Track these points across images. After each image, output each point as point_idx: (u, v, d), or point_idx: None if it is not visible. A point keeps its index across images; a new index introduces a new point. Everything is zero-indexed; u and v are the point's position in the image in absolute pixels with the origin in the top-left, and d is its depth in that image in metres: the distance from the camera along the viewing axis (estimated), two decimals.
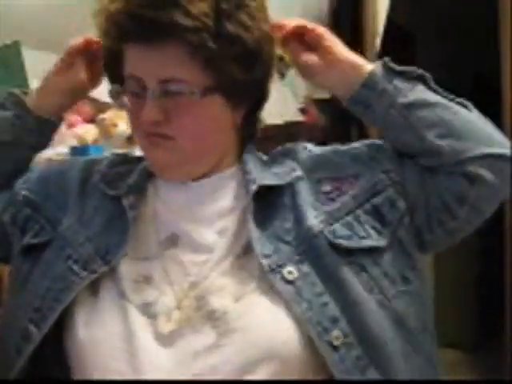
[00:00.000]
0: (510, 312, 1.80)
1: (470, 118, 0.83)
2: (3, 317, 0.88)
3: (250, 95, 0.87)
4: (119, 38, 0.82)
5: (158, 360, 0.74)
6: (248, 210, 0.82)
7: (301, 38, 0.88)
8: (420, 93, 0.84)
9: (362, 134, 2.46)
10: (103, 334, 0.76)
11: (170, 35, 0.78)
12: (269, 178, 0.85)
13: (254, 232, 0.80)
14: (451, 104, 0.84)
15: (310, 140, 0.96)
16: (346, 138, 2.56)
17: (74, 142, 1.89)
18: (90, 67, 0.92)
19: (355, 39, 2.48)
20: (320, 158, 0.88)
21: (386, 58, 0.86)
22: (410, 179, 0.84)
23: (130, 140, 1.98)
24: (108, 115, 1.91)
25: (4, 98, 0.94)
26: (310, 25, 0.88)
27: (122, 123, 1.91)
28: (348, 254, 0.79)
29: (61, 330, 0.79)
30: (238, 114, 0.87)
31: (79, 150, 1.81)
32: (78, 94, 0.95)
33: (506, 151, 0.81)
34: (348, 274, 0.78)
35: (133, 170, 0.90)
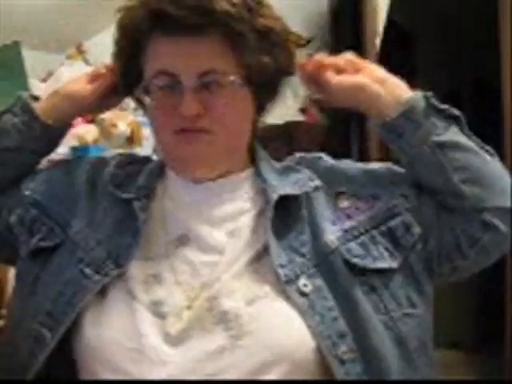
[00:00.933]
0: (510, 312, 1.80)
1: (496, 168, 0.85)
2: (11, 319, 0.87)
3: (272, 93, 0.89)
4: (151, 30, 0.81)
5: (167, 359, 0.74)
6: (264, 217, 0.82)
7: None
8: (454, 134, 0.84)
9: (362, 134, 2.46)
10: (111, 333, 0.76)
11: (210, 24, 0.78)
12: (289, 187, 0.85)
13: (272, 241, 0.80)
14: (481, 151, 0.85)
15: (310, 140, 0.96)
16: (345, 138, 2.56)
17: (74, 142, 1.89)
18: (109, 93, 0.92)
19: (355, 39, 2.48)
20: (339, 172, 0.89)
21: (430, 93, 0.85)
22: (426, 207, 0.85)
23: (129, 140, 1.98)
24: (108, 115, 1.91)
25: (13, 102, 0.93)
26: (352, 58, 0.88)
27: (121, 123, 1.91)
28: (360, 273, 0.80)
29: (69, 330, 0.79)
30: (257, 113, 0.88)
31: (79, 150, 1.81)
32: (92, 109, 0.96)
33: None
34: (358, 292, 0.79)
35: (140, 170, 0.90)
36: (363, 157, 2.34)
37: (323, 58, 0.88)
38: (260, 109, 0.89)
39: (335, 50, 0.92)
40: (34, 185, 0.91)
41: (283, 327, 0.75)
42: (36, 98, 0.94)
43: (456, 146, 0.84)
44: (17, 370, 0.80)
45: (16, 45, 2.06)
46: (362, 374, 0.76)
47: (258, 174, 0.87)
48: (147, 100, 0.83)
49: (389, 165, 0.91)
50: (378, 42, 2.38)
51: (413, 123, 0.84)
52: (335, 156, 0.95)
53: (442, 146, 0.83)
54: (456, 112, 0.86)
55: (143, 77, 0.84)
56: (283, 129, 2.24)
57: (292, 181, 0.87)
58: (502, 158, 0.90)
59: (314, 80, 0.88)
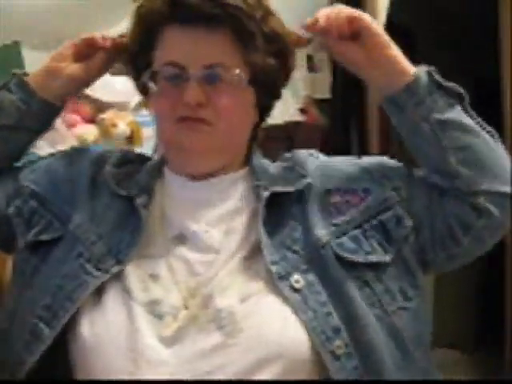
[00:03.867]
0: (510, 312, 1.80)
1: (495, 150, 0.84)
2: (6, 310, 0.87)
3: (274, 95, 0.91)
4: (166, 18, 0.83)
5: (163, 359, 0.74)
6: (258, 215, 0.82)
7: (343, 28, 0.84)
8: (456, 113, 0.84)
9: (362, 134, 2.45)
10: (108, 332, 0.76)
11: (222, 16, 0.80)
12: (280, 185, 0.86)
13: (264, 238, 0.80)
14: (482, 133, 0.84)
15: (310, 140, 0.97)
16: (345, 138, 2.56)
17: (74, 142, 1.89)
18: (105, 63, 0.92)
19: None
20: (330, 168, 0.89)
21: (433, 68, 0.85)
22: (417, 200, 0.84)
23: (129, 140, 1.97)
24: (108, 115, 1.91)
25: (7, 80, 0.93)
26: (357, 14, 0.84)
27: (121, 123, 1.91)
28: (353, 267, 0.80)
29: (65, 327, 0.79)
30: (257, 113, 0.89)
31: None
32: (86, 84, 0.95)
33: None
34: (351, 287, 0.79)
35: (140, 169, 0.90)
36: None
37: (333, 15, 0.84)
38: (261, 110, 0.90)
39: None
40: (34, 176, 0.91)
41: (277, 324, 0.75)
42: (28, 75, 0.93)
43: (457, 126, 0.83)
44: (10, 362, 0.80)
45: (16, 45, 2.05)
46: (356, 368, 0.76)
47: (253, 173, 0.88)
48: (152, 87, 0.84)
49: (380, 158, 0.91)
50: None
51: (414, 98, 0.83)
52: (335, 156, 0.95)
53: (442, 123, 0.83)
54: (459, 89, 0.85)
55: (152, 63, 0.85)
56: (283, 129, 2.24)
57: (284, 178, 0.87)
58: None
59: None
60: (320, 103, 2.45)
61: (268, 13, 0.86)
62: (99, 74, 0.93)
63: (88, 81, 0.93)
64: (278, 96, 0.92)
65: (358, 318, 0.77)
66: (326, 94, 2.46)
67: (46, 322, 0.79)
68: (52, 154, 0.97)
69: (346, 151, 2.45)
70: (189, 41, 0.82)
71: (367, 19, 0.84)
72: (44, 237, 0.86)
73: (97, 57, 0.91)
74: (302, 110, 2.44)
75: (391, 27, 2.43)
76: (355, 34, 0.84)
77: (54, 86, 0.91)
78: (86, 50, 0.91)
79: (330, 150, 0.98)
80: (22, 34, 2.16)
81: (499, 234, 0.86)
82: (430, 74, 0.84)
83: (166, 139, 0.87)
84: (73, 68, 0.90)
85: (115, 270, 0.80)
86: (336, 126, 2.48)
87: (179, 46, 0.83)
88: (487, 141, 0.83)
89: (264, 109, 0.92)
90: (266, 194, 0.83)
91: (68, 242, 0.84)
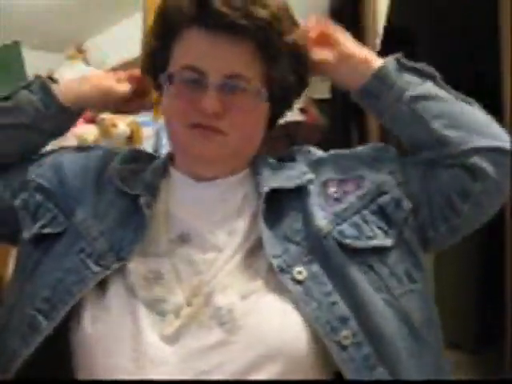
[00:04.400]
0: (510, 312, 1.80)
1: (477, 113, 0.85)
2: (6, 302, 0.87)
3: (286, 108, 0.92)
4: (191, 20, 0.82)
5: (164, 357, 0.74)
6: (259, 211, 0.82)
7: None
8: (428, 88, 0.85)
9: (362, 134, 2.45)
10: (111, 330, 0.76)
11: (249, 29, 0.80)
12: (280, 181, 0.86)
13: (265, 233, 0.80)
14: (459, 101, 0.85)
15: (310, 140, 0.97)
16: (346, 138, 2.55)
17: (75, 142, 1.89)
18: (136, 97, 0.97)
19: (355, 39, 2.47)
20: (324, 161, 0.90)
21: (399, 54, 0.87)
22: (412, 179, 0.85)
23: (129, 140, 1.98)
24: (108, 115, 1.91)
25: (30, 81, 0.94)
26: (325, 25, 0.92)
27: (121, 123, 1.91)
28: (356, 253, 0.80)
29: (68, 323, 0.79)
30: (269, 120, 0.90)
31: None
32: (114, 106, 0.99)
33: (510, 146, 0.82)
34: (356, 273, 0.78)
35: (145, 168, 0.91)
36: None
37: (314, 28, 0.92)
38: (272, 121, 0.91)
39: None
40: (41, 170, 0.92)
41: (277, 321, 0.75)
42: (53, 80, 0.95)
43: (432, 97, 0.85)
44: (6, 355, 0.80)
45: (16, 45, 2.06)
46: (369, 356, 0.75)
47: (255, 172, 0.88)
48: (169, 88, 0.84)
49: (371, 144, 0.92)
50: (378, 41, 2.38)
51: (386, 83, 0.86)
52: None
53: (416, 98, 0.85)
54: (431, 70, 0.87)
55: (170, 63, 0.85)
56: (283, 128, 2.24)
57: (285, 175, 0.88)
58: None
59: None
60: (320, 103, 2.45)
61: (293, 24, 0.86)
62: (132, 110, 1.00)
63: (119, 103, 0.97)
64: (290, 109, 0.94)
65: (366, 304, 0.77)
66: (325, 94, 2.46)
67: (44, 314, 0.79)
68: (59, 149, 0.98)
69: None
70: (211, 46, 0.81)
71: (329, 26, 0.91)
72: (47, 230, 0.86)
73: (144, 98, 0.98)
74: (302, 110, 2.44)
75: (391, 28, 2.44)
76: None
77: (86, 96, 0.94)
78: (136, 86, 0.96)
79: (329, 149, 0.98)
80: (22, 34, 2.17)
81: (499, 196, 0.85)
82: (397, 59, 0.87)
83: (177, 142, 0.87)
84: (120, 93, 0.95)
85: (116, 266, 0.80)
86: (336, 125, 2.48)
87: (201, 50, 0.82)
88: (466, 107, 0.85)
89: (276, 116, 0.93)
90: (265, 189, 0.83)
91: (71, 236, 0.84)
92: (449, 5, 2.88)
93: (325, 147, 0.98)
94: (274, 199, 0.84)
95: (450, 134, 0.82)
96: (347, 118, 2.52)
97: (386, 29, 2.40)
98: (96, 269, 0.80)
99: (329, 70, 0.91)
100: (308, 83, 0.91)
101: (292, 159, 0.92)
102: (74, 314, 0.80)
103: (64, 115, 0.94)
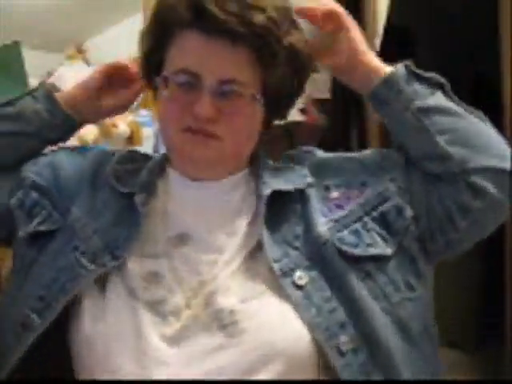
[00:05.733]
0: (510, 312, 1.80)
1: (484, 130, 0.84)
2: (2, 301, 0.87)
3: (282, 111, 0.92)
4: (187, 23, 0.81)
5: (166, 359, 0.73)
6: (259, 214, 0.82)
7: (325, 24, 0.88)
8: (438, 99, 0.85)
9: (362, 135, 2.45)
10: (111, 331, 0.76)
11: (246, 35, 0.79)
12: (282, 184, 0.86)
13: (265, 236, 0.80)
14: (467, 114, 0.84)
15: (309, 140, 0.97)
16: (345, 138, 2.55)
17: (75, 142, 1.89)
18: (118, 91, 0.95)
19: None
20: (328, 165, 0.90)
21: (409, 62, 0.86)
22: (415, 187, 0.84)
23: (129, 140, 1.98)
24: None
25: (33, 88, 0.94)
26: (338, 10, 0.88)
27: (121, 123, 1.91)
28: (355, 261, 0.80)
29: (63, 325, 0.79)
30: (265, 123, 0.89)
31: None
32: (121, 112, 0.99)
33: None
34: (355, 280, 0.78)
35: (141, 168, 0.91)
36: None
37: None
38: (267, 123, 0.90)
39: None
40: (36, 168, 0.92)
41: (278, 323, 0.75)
42: (55, 88, 0.95)
43: (440, 110, 0.84)
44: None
45: (16, 45, 2.05)
46: (366, 363, 0.75)
47: (255, 174, 0.88)
48: (164, 92, 0.83)
49: (375, 150, 0.91)
50: (377, 42, 2.38)
51: (393, 90, 0.85)
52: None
53: (425, 110, 0.84)
54: (441, 79, 0.86)
55: (164, 67, 0.84)
56: (283, 129, 2.24)
57: (285, 178, 0.87)
58: None
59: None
60: (320, 103, 2.45)
61: (293, 26, 0.85)
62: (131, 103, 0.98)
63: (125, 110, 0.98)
64: (291, 106, 0.93)
65: (364, 311, 0.77)
66: (325, 94, 2.46)
67: (38, 312, 0.79)
68: (56, 148, 0.98)
69: (345, 151, 2.44)
70: (207, 50, 0.80)
71: (347, 20, 0.88)
72: (42, 227, 0.86)
73: (132, 87, 0.95)
74: (302, 110, 2.44)
75: (391, 28, 2.44)
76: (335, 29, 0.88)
77: (73, 97, 0.94)
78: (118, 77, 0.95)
79: (329, 149, 0.98)
80: (22, 34, 2.17)
81: (498, 215, 0.84)
82: (407, 66, 0.86)
83: (171, 146, 0.86)
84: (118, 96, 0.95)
85: (112, 264, 0.80)
86: (336, 125, 2.48)
87: (196, 54, 0.81)
88: (473, 121, 0.84)
89: (274, 117, 0.92)
90: (266, 192, 0.83)
91: (65, 234, 0.84)
92: (449, 5, 2.88)
93: (325, 147, 0.97)
94: (275, 202, 0.84)
95: (454, 150, 0.81)
96: (347, 118, 2.52)
97: (385, 29, 2.40)
98: (91, 267, 0.80)
99: (342, 75, 0.92)
100: (305, 88, 0.91)
101: (293, 161, 0.92)
102: (73, 315, 0.79)
103: (67, 124, 0.94)
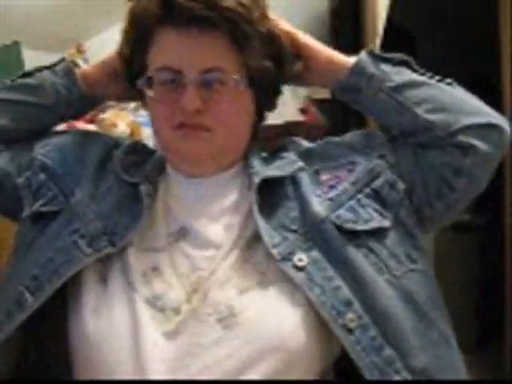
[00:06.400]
0: (510, 312, 1.80)
1: (457, 93, 0.87)
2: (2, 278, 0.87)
3: (273, 97, 0.92)
4: (160, 20, 0.82)
5: (165, 353, 0.74)
6: (252, 203, 0.82)
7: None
8: (406, 75, 0.87)
9: None
10: (110, 325, 0.76)
11: (217, 19, 0.79)
12: (271, 171, 0.86)
13: (261, 223, 0.81)
14: (437, 83, 0.87)
15: (310, 140, 0.97)
16: None
17: None
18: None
19: (355, 39, 2.48)
20: (315, 151, 0.91)
21: (371, 47, 0.89)
22: (404, 160, 0.86)
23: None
24: (108, 115, 1.91)
25: (54, 61, 0.94)
26: (293, 32, 0.91)
27: (121, 123, 1.91)
28: (355, 236, 0.80)
29: (66, 316, 0.79)
30: (257, 112, 0.90)
31: None
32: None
33: (494, 120, 0.84)
34: (357, 256, 0.79)
35: (146, 160, 0.91)
36: None
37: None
38: (260, 112, 0.91)
39: (335, 49, 0.93)
40: (46, 150, 0.92)
41: (276, 315, 0.75)
42: (75, 65, 0.96)
43: (411, 84, 0.86)
44: None
45: (16, 45, 2.06)
46: (375, 337, 0.75)
47: (248, 166, 0.89)
48: (149, 93, 0.84)
49: (360, 131, 0.93)
50: (378, 41, 2.38)
51: (364, 76, 0.87)
52: None
53: (396, 88, 0.86)
54: (404, 57, 0.89)
55: (147, 68, 0.85)
56: (283, 129, 2.24)
57: (276, 165, 0.88)
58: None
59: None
60: (320, 103, 2.45)
61: (265, 13, 0.85)
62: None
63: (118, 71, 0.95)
64: (277, 93, 0.93)
65: (368, 286, 0.77)
66: (325, 94, 2.46)
67: (31, 291, 0.79)
68: (66, 131, 0.99)
69: None
70: (183, 44, 0.81)
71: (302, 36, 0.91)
72: (45, 208, 0.87)
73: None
74: (302, 110, 2.44)
75: (391, 28, 2.44)
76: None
77: (112, 87, 0.95)
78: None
79: None
80: (22, 34, 2.17)
81: (490, 166, 0.86)
82: (370, 52, 0.88)
83: (165, 146, 0.87)
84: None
85: (108, 250, 0.80)
86: (336, 126, 2.48)
87: (174, 50, 0.82)
88: (444, 87, 0.86)
89: (264, 106, 0.92)
90: (256, 180, 0.84)
91: (66, 216, 0.85)
92: (449, 5, 2.88)
93: None
94: (267, 190, 0.84)
95: (435, 118, 0.84)
96: (347, 117, 2.52)
97: (385, 29, 2.40)
98: (87, 250, 0.80)
99: (305, 82, 0.93)
100: (291, 66, 0.90)
101: (281, 150, 0.92)
102: (73, 309, 0.80)
103: (82, 102, 0.95)
